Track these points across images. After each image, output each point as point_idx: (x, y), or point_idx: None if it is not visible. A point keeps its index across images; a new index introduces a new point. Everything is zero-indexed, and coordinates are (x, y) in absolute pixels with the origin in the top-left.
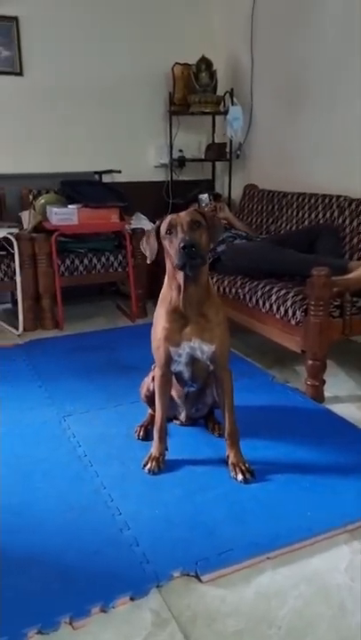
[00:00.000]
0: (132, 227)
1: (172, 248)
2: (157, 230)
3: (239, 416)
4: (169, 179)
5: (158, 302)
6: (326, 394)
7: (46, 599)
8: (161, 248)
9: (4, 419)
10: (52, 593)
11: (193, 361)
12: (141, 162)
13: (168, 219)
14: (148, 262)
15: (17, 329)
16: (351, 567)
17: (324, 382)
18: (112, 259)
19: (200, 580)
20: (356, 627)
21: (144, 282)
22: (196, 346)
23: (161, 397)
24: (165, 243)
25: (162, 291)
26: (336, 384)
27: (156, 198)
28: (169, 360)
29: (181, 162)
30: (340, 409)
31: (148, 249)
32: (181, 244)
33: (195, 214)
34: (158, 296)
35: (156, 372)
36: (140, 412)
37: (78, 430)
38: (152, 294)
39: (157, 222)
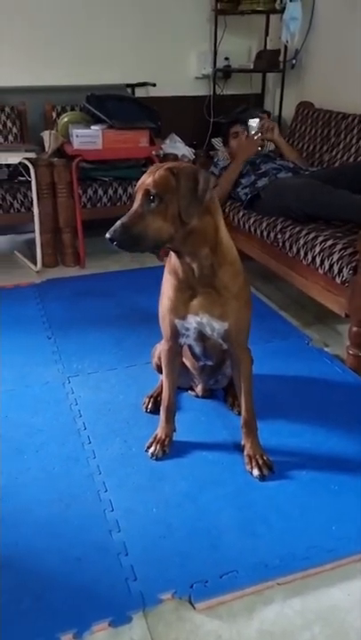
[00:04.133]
0: (165, 152)
1: None
2: None
3: (264, 388)
4: (211, 93)
5: (166, 263)
6: None
7: (12, 621)
8: None
9: (6, 375)
10: (21, 614)
11: (203, 337)
12: (180, 72)
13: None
14: None
15: (36, 264)
16: None
17: None
18: None
19: (194, 608)
20: None
21: None
22: (205, 322)
23: (169, 374)
24: None
25: None
26: None
27: (195, 116)
28: (175, 333)
29: (227, 73)
30: None
31: None
32: (107, 235)
33: (160, 180)
34: None
35: (163, 344)
36: (155, 375)
37: (82, 395)
38: None
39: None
